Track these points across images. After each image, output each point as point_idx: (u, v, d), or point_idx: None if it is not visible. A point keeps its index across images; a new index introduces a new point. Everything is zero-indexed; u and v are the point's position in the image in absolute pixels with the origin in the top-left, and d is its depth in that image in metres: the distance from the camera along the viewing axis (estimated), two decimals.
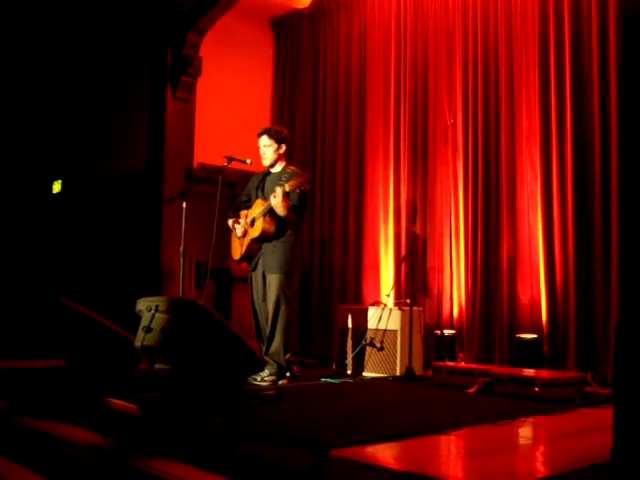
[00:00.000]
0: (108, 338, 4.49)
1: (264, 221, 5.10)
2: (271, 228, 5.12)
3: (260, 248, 5.21)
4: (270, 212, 5.08)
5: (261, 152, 5.33)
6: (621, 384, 1.97)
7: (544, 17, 5.81)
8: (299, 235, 5.44)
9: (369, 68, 7.34)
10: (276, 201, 4.99)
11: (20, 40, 8.57)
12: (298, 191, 5.02)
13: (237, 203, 5.49)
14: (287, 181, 5.01)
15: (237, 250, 5.35)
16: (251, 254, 5.25)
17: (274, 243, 5.16)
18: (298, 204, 5.17)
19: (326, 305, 7.38)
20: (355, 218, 7.29)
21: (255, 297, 5.31)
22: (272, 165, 5.34)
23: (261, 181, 5.39)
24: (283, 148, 5.32)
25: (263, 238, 5.15)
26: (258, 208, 5.19)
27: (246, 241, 5.23)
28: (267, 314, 5.21)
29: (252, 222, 5.21)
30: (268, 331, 5.14)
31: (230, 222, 5.38)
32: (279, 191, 4.97)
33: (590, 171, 5.42)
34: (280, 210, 5.01)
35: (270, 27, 8.45)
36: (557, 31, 5.71)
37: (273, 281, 5.13)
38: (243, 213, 5.37)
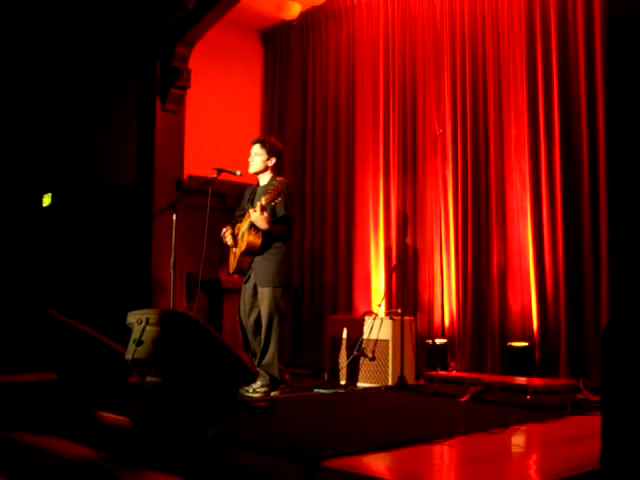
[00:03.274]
0: (99, 351, 4.47)
1: (249, 234, 5.12)
2: (257, 241, 5.12)
3: (252, 261, 5.22)
4: (255, 226, 5.09)
5: (250, 159, 5.36)
6: (610, 391, 1.97)
7: (531, 26, 5.86)
8: (289, 246, 5.44)
9: (358, 79, 7.37)
10: (255, 216, 5.00)
11: (8, 52, 8.56)
12: (273, 204, 5.03)
13: (234, 218, 5.49)
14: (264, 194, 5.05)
15: (232, 263, 5.36)
16: (243, 267, 5.25)
17: (265, 256, 5.17)
18: (284, 214, 5.17)
19: (317, 315, 7.37)
20: (345, 228, 7.30)
21: (242, 309, 5.30)
22: (258, 173, 5.37)
23: (252, 194, 5.41)
24: (273, 161, 5.34)
25: (250, 251, 5.16)
26: (246, 221, 5.20)
27: (237, 255, 5.25)
28: (251, 326, 5.22)
29: (242, 236, 5.22)
30: (262, 342, 5.14)
31: (223, 230, 5.37)
32: (257, 206, 4.99)
33: (579, 178, 5.45)
34: (261, 224, 5.02)
35: (259, 39, 8.49)
36: (544, 40, 5.76)
37: (265, 294, 5.13)
38: (237, 227, 5.38)
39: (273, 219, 5.10)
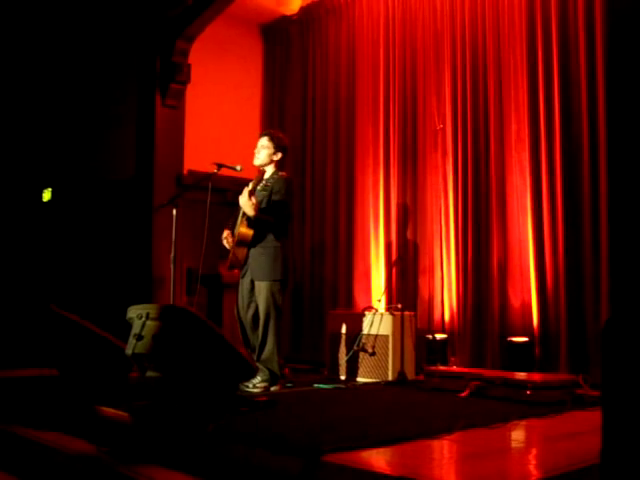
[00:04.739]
0: (99, 346, 4.47)
1: (241, 225, 5.09)
2: (248, 232, 5.09)
3: (248, 254, 5.19)
4: (248, 216, 5.07)
5: (256, 150, 5.32)
6: (610, 385, 1.97)
7: (531, 22, 5.85)
8: (286, 240, 5.37)
9: (358, 74, 7.36)
10: (242, 201, 4.97)
11: (9, 47, 8.55)
12: (260, 188, 5.04)
13: (235, 211, 5.46)
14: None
15: (229, 257, 5.34)
16: (238, 260, 5.21)
17: (260, 250, 5.14)
18: (278, 201, 5.14)
19: (317, 311, 7.37)
20: (346, 223, 7.30)
21: (240, 303, 5.28)
22: (262, 167, 5.33)
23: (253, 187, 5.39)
24: (279, 155, 5.31)
25: (243, 242, 5.12)
26: (241, 211, 5.17)
27: (233, 247, 5.22)
28: (250, 321, 5.20)
29: (237, 227, 5.21)
30: (260, 338, 5.12)
31: (224, 235, 5.33)
32: (245, 191, 4.96)
33: (579, 174, 5.45)
34: (248, 210, 4.98)
35: (259, 33, 8.47)
36: (545, 35, 5.75)
37: (262, 288, 5.11)
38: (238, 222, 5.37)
39: (263, 206, 5.08)
